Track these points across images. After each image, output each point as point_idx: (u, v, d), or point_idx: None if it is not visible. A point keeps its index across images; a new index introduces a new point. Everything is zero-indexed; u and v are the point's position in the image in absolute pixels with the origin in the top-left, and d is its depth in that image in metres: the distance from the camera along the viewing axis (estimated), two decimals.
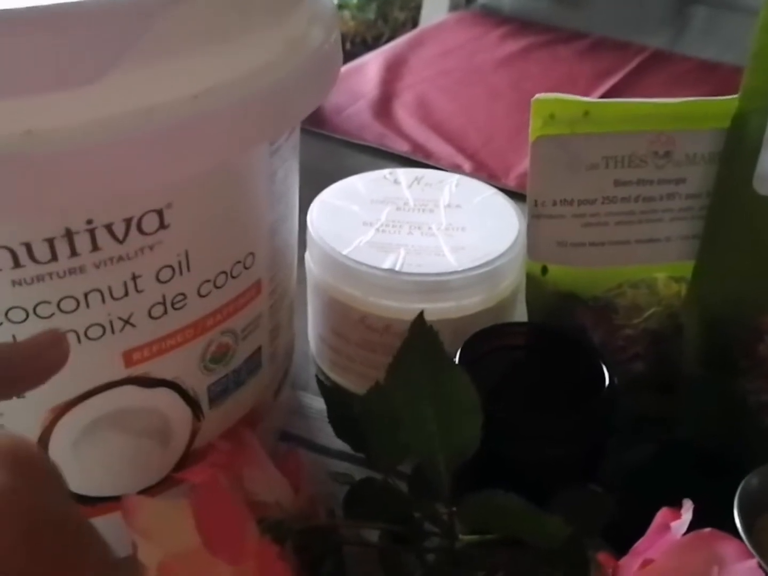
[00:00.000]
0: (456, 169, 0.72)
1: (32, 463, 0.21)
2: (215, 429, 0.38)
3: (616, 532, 0.34)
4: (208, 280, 0.33)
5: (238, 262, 0.34)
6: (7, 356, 0.24)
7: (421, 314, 0.32)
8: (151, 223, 0.30)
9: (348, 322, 0.45)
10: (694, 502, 0.33)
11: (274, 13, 0.31)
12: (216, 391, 0.37)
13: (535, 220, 0.42)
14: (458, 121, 0.79)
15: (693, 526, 0.30)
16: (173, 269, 0.31)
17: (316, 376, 0.40)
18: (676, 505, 0.31)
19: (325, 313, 0.47)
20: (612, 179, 0.41)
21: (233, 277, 0.34)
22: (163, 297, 0.32)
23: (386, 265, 0.43)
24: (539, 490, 0.36)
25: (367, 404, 0.36)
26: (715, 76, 0.91)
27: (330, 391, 0.39)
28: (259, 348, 0.39)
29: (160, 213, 0.30)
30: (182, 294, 0.32)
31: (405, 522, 0.36)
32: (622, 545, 0.32)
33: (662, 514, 0.29)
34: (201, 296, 0.33)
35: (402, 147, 0.75)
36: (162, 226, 0.30)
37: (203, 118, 0.28)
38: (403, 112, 0.81)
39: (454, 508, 0.32)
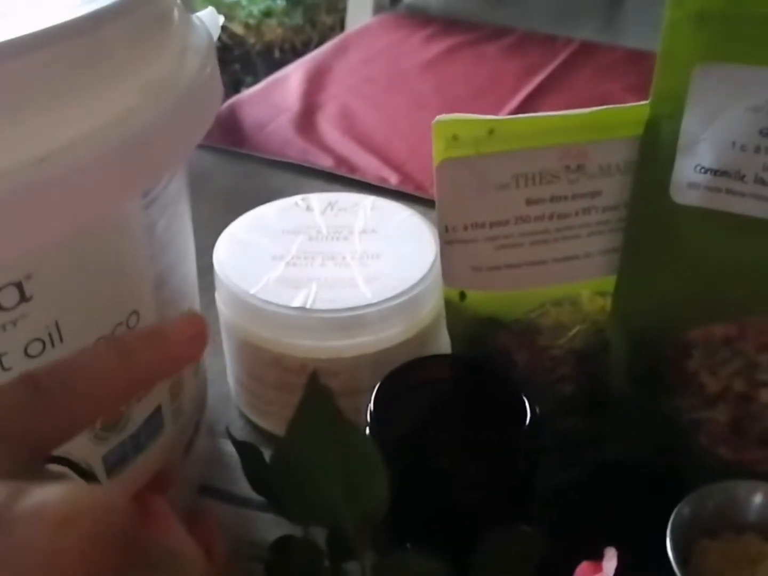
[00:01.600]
0: (382, 182, 0.69)
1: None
2: None
3: (555, 566, 0.32)
4: None
5: (120, 323, 0.32)
6: (150, 339, 0.23)
7: (314, 374, 0.30)
8: (9, 297, 0.27)
9: (262, 363, 0.43)
10: (627, 533, 0.32)
11: (132, 57, 0.29)
12: (112, 460, 0.34)
13: (447, 246, 0.40)
14: (383, 132, 0.77)
15: (628, 561, 0.28)
16: (43, 342, 0.29)
17: (226, 428, 0.38)
18: (605, 540, 0.30)
19: (239, 355, 0.45)
20: (524, 198, 0.39)
21: None
22: None
23: (297, 303, 0.41)
24: (469, 533, 0.34)
25: (277, 459, 0.33)
26: (645, 64, 0.90)
27: (241, 444, 0.37)
28: (159, 407, 0.36)
29: (19, 285, 0.27)
30: None
31: None
32: None
33: (582, 569, 0.27)
34: None
35: (326, 162, 0.73)
36: (23, 299, 0.27)
37: (51, 181, 0.25)
38: (327, 125, 0.79)
39: (368, 568, 0.30)
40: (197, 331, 0.25)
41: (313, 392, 0.30)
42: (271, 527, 0.40)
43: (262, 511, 0.42)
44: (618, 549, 0.29)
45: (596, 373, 0.42)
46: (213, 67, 0.33)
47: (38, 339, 0.29)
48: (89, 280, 0.30)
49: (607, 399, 0.41)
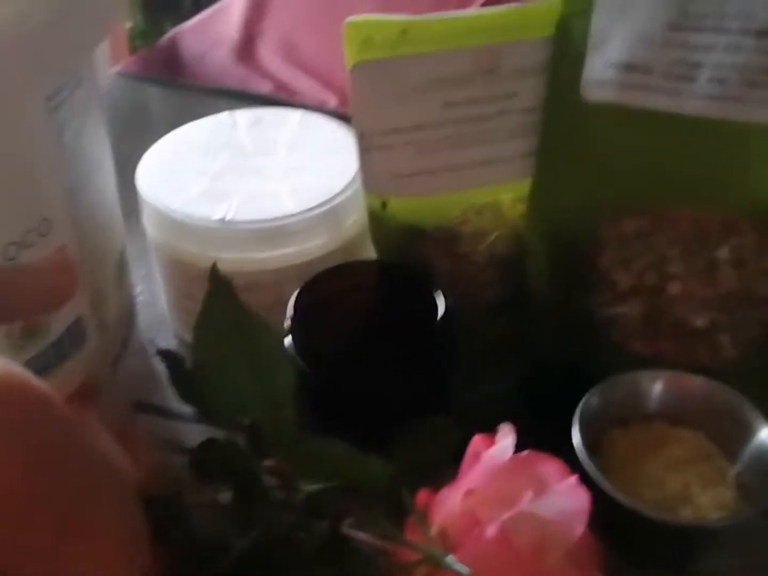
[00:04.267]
0: (322, 105, 0.69)
1: (24, 393, 0.18)
2: None
3: None
4: None
5: (31, 230, 0.32)
6: (11, 280, 0.23)
7: (214, 266, 0.31)
8: None
9: (190, 279, 0.43)
10: (541, 425, 0.33)
11: None
12: (35, 367, 0.35)
13: (364, 153, 0.40)
14: (324, 57, 0.76)
15: (539, 445, 0.29)
16: None
17: (152, 341, 0.38)
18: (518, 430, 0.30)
19: (168, 273, 0.45)
20: (440, 102, 0.39)
21: (27, 247, 0.32)
22: None
23: (218, 215, 0.41)
24: (387, 431, 0.35)
25: (191, 365, 0.34)
26: None
27: (164, 352, 0.37)
28: (81, 318, 0.36)
29: None
30: None
31: (247, 479, 0.35)
32: None
33: (474, 442, 0.28)
34: None
35: (265, 88, 0.72)
36: None
37: None
38: (267, 53, 0.77)
39: (278, 460, 0.31)
40: (65, 265, 0.25)
41: (215, 286, 0.30)
42: (203, 437, 0.41)
43: (194, 423, 0.42)
44: (530, 437, 0.30)
45: (518, 278, 0.42)
46: None
47: None
48: None
49: (527, 302, 0.42)
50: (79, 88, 0.34)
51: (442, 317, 0.35)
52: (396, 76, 0.38)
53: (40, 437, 0.18)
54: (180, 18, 0.89)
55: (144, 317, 0.47)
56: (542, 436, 0.30)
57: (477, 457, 0.27)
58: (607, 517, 0.28)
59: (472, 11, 0.38)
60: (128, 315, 0.42)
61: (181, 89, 0.74)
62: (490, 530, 0.24)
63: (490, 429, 0.36)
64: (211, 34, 0.82)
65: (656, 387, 0.36)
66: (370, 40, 0.38)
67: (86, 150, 0.35)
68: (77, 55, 0.31)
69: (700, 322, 0.37)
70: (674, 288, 0.37)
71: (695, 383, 0.35)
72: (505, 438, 0.27)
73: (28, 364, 0.34)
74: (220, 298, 0.30)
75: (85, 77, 0.34)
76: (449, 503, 0.27)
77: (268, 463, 0.32)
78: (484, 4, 0.87)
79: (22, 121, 0.30)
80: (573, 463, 0.31)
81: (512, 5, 0.38)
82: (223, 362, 0.31)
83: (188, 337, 0.47)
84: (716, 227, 0.37)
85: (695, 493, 0.33)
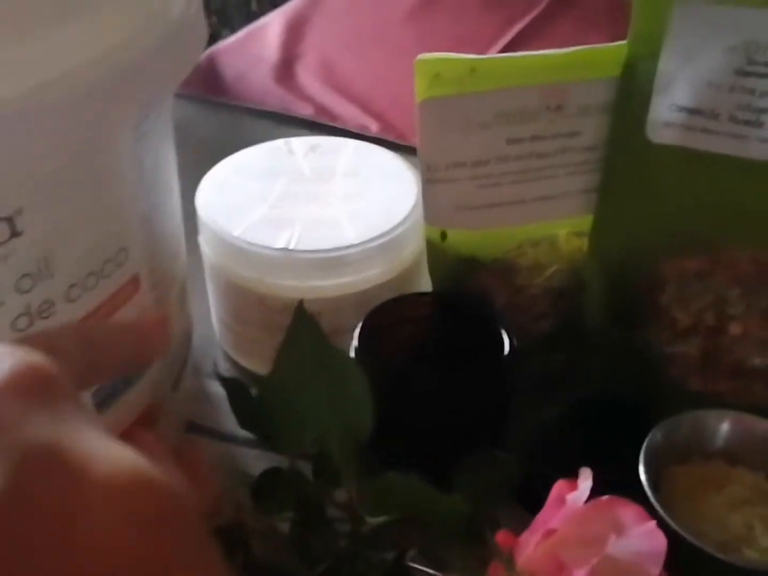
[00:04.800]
0: (363, 130, 0.69)
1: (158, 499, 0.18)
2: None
3: (533, 497, 0.33)
4: (74, 285, 0.31)
5: (109, 260, 0.32)
6: (105, 336, 0.23)
7: (301, 303, 0.31)
8: (0, 232, 0.27)
9: (246, 304, 0.44)
10: (602, 461, 0.33)
11: None
12: (101, 395, 0.35)
13: (429, 185, 0.40)
14: (364, 82, 0.77)
15: (602, 487, 0.29)
16: (33, 278, 0.29)
17: (214, 364, 0.39)
18: (584, 466, 0.31)
19: (223, 296, 0.45)
20: (504, 137, 0.40)
21: (105, 277, 0.32)
22: (27, 307, 0.30)
23: (280, 243, 0.41)
24: (446, 461, 0.35)
25: (264, 393, 0.34)
26: (626, 13, 0.90)
27: (227, 380, 0.37)
28: None
29: (9, 220, 0.27)
30: (48, 302, 0.30)
31: (312, 509, 0.35)
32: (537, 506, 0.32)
33: (558, 486, 0.29)
34: (70, 301, 0.31)
35: (305, 111, 0.73)
36: (14, 234, 0.28)
37: (45, 108, 0.25)
38: (306, 75, 0.78)
39: (355, 493, 0.31)
40: (162, 325, 0.25)
41: (299, 321, 0.31)
42: (258, 462, 0.41)
43: (249, 447, 0.43)
44: (594, 474, 0.30)
45: (573, 311, 0.43)
46: (198, 6, 0.33)
47: (28, 275, 0.29)
48: (79, 215, 0.30)
49: (583, 336, 0.43)
50: (160, 117, 0.34)
51: (508, 353, 0.35)
52: (463, 111, 0.39)
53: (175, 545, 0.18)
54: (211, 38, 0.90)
55: (194, 336, 0.48)
56: (600, 472, 0.30)
57: (561, 500, 0.27)
58: (673, 554, 0.28)
59: (540, 51, 0.39)
60: (187, 335, 0.43)
61: (222, 108, 0.75)
62: (579, 574, 0.25)
63: (543, 464, 0.36)
64: (249, 54, 0.83)
65: (719, 426, 0.36)
66: (439, 76, 0.38)
67: (160, 178, 0.36)
68: (166, 85, 0.32)
69: (759, 361, 0.38)
70: (735, 329, 0.38)
71: (758, 425, 0.36)
72: (585, 482, 0.28)
73: (95, 394, 0.35)
74: (302, 331, 0.30)
75: (166, 106, 0.35)
76: (530, 545, 0.27)
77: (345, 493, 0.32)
78: (519, 34, 0.88)
79: (113, 151, 0.31)
80: (634, 500, 0.32)
81: (580, 47, 0.39)
82: (300, 391, 0.31)
83: (237, 357, 0.47)
84: None
85: (759, 534, 0.33)
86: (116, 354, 0.24)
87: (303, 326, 0.31)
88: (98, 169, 0.30)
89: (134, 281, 0.34)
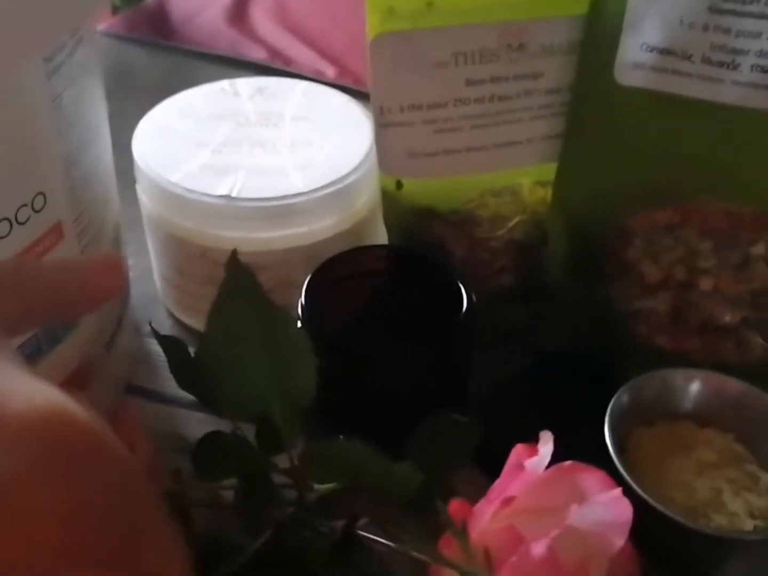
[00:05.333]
0: (318, 75, 0.66)
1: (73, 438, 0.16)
2: None
3: (492, 460, 0.31)
4: None
5: (24, 205, 0.29)
6: (62, 275, 0.22)
7: (234, 253, 0.28)
8: None
9: (187, 257, 0.41)
10: (565, 422, 0.31)
11: None
12: (26, 353, 0.32)
13: (382, 129, 0.37)
14: (320, 23, 0.73)
15: (564, 451, 0.28)
16: None
17: (149, 323, 0.36)
18: (544, 427, 0.29)
19: (163, 249, 0.42)
20: (463, 78, 0.37)
21: (21, 224, 0.29)
22: None
23: (222, 191, 0.38)
24: (404, 422, 0.33)
25: (200, 353, 0.32)
26: None
27: (164, 338, 0.34)
28: None
29: None
30: None
31: (256, 476, 0.33)
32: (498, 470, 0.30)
33: (516, 451, 0.26)
34: None
35: (258, 55, 0.69)
36: None
37: None
38: (260, 16, 0.74)
39: (297, 459, 0.29)
40: (115, 265, 0.24)
41: (233, 274, 0.28)
42: (200, 425, 0.39)
43: (191, 409, 0.40)
44: (556, 436, 0.28)
45: (535, 265, 0.41)
46: None
47: None
48: None
49: (546, 292, 0.40)
50: (78, 49, 0.31)
51: (465, 311, 0.33)
52: (418, 49, 0.36)
53: (92, 486, 0.16)
54: None
55: (135, 293, 0.45)
56: (563, 435, 0.28)
57: (520, 466, 0.25)
58: (639, 522, 0.26)
59: None
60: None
61: (170, 52, 0.70)
62: (538, 549, 0.23)
63: (504, 425, 0.34)
64: None
65: (688, 386, 0.34)
66: (393, 10, 0.35)
67: (85, 117, 0.33)
68: (79, 11, 0.28)
69: (730, 318, 0.36)
70: (705, 284, 0.36)
71: (728, 385, 0.34)
72: (546, 446, 0.26)
73: (19, 350, 0.31)
74: (239, 286, 0.28)
75: (85, 36, 0.32)
76: (486, 516, 0.25)
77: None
78: None
79: (18, 84, 0.27)
80: (597, 463, 0.30)
81: None
82: (238, 353, 0.29)
83: (180, 315, 0.44)
84: (750, 222, 0.35)
85: (727, 499, 0.31)
86: (56, 293, 0.22)
87: (238, 279, 0.28)
88: (8, 105, 0.27)
89: (57, 229, 0.31)
